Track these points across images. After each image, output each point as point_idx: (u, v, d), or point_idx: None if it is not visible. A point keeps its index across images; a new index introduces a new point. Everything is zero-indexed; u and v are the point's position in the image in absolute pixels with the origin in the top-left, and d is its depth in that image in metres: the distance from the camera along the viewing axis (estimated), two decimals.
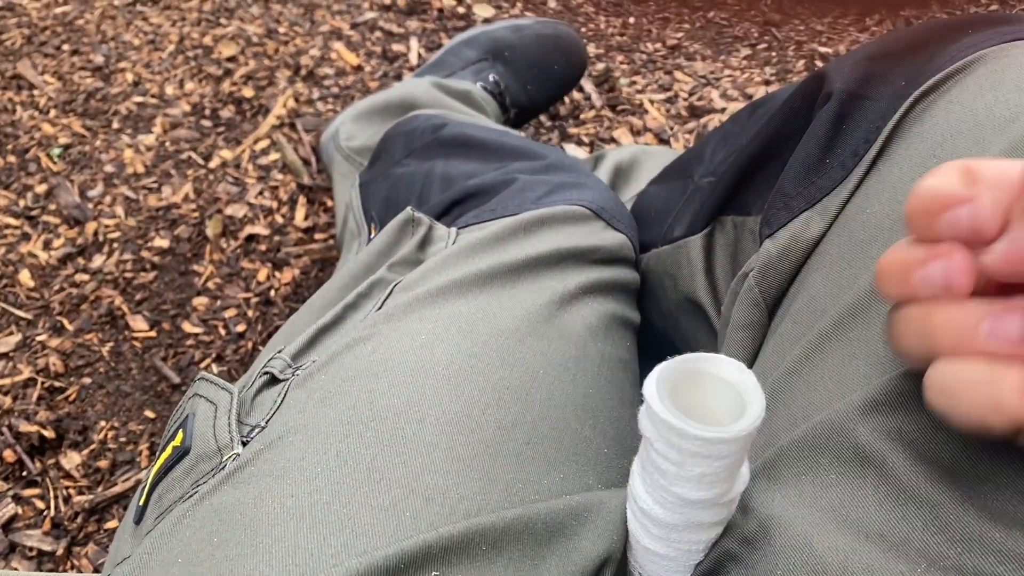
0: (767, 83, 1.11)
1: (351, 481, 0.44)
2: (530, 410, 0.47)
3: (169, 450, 0.51)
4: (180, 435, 0.51)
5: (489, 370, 0.48)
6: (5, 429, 0.82)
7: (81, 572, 0.77)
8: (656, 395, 0.40)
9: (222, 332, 0.89)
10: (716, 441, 0.30)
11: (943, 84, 0.44)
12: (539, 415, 0.47)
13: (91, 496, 0.80)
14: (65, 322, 0.90)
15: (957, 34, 0.47)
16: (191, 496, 0.48)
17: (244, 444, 0.49)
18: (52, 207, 0.99)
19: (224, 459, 0.48)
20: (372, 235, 0.71)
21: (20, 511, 0.78)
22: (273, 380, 0.52)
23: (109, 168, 1.02)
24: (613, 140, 1.06)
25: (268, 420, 0.49)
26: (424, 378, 0.47)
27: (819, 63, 1.13)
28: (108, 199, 0.99)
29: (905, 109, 0.45)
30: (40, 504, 0.79)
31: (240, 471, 0.46)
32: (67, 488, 0.80)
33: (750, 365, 0.50)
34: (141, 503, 0.51)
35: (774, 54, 1.14)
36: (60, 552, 0.76)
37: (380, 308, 0.54)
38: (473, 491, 0.44)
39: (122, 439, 0.83)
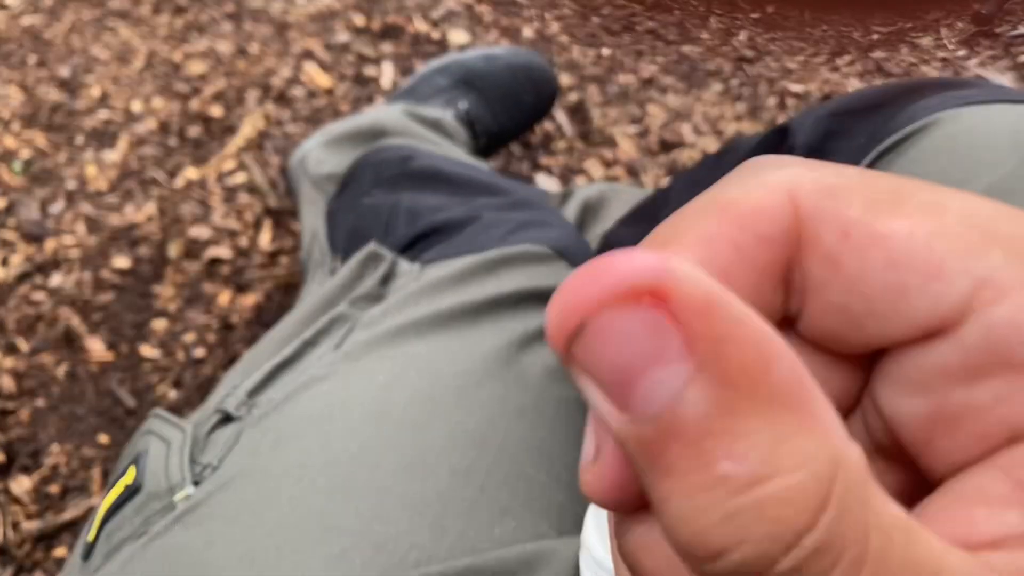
0: (739, 119, 1.12)
1: (302, 527, 0.43)
2: (485, 455, 0.47)
3: (120, 486, 0.50)
4: (132, 471, 0.50)
5: (445, 414, 0.48)
6: None
7: None
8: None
9: (181, 356, 0.88)
10: None
11: (901, 144, 0.45)
12: (494, 460, 0.47)
13: (40, 522, 0.78)
14: (20, 341, 0.88)
15: (915, 96, 0.48)
16: (141, 536, 0.47)
17: (196, 484, 0.48)
18: (11, 222, 0.97)
19: (175, 498, 0.47)
20: (337, 265, 0.71)
21: None
22: (228, 418, 0.51)
23: (71, 184, 1.00)
24: (584, 172, 1.06)
25: (221, 460, 0.48)
26: (380, 422, 0.47)
27: (790, 101, 1.14)
28: (69, 216, 0.98)
29: (865, 166, 0.46)
30: None
31: (191, 512, 0.46)
32: (16, 513, 0.79)
33: None
34: (90, 539, 0.50)
35: (746, 90, 1.15)
36: None
37: (339, 346, 0.54)
38: (424, 539, 0.43)
39: (74, 464, 0.81)
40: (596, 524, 0.42)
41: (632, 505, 0.16)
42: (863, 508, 0.13)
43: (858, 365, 0.18)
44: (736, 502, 0.13)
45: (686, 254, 0.16)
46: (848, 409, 0.19)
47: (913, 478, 0.18)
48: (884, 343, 0.17)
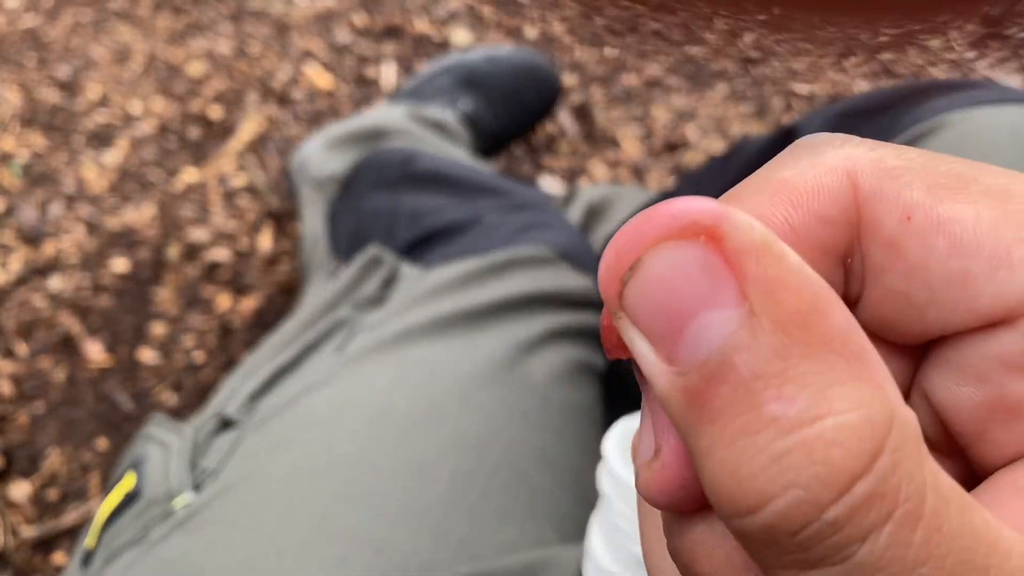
0: (744, 120, 1.11)
1: (303, 532, 0.43)
2: (488, 460, 0.47)
3: (119, 492, 0.50)
4: (132, 477, 0.50)
5: (448, 418, 0.48)
6: None
7: None
8: (615, 453, 0.39)
9: (180, 360, 0.87)
10: None
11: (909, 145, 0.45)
12: (497, 465, 0.47)
13: (39, 528, 0.77)
14: (18, 345, 0.87)
15: (923, 97, 0.47)
16: (141, 542, 0.47)
17: (196, 489, 0.47)
18: (10, 225, 0.96)
19: (175, 504, 0.47)
20: (338, 267, 0.70)
21: None
22: (228, 423, 0.51)
23: (70, 186, 1.00)
24: (587, 172, 1.05)
25: (221, 465, 0.48)
26: (381, 426, 0.46)
27: (796, 102, 1.13)
28: (68, 218, 0.97)
29: None
30: None
31: (191, 518, 0.45)
32: (14, 519, 0.78)
33: None
34: (90, 545, 0.49)
35: (752, 92, 1.15)
36: None
37: (341, 350, 0.53)
38: (426, 545, 0.43)
39: (73, 469, 0.81)
40: (601, 530, 0.41)
41: (691, 504, 0.15)
42: (920, 465, 0.12)
43: (910, 354, 0.18)
44: (784, 442, 0.12)
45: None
46: None
47: (960, 472, 0.17)
48: (945, 332, 0.16)
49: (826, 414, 0.12)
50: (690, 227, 0.13)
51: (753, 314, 0.12)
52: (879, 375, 0.13)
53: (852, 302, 0.17)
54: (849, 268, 0.17)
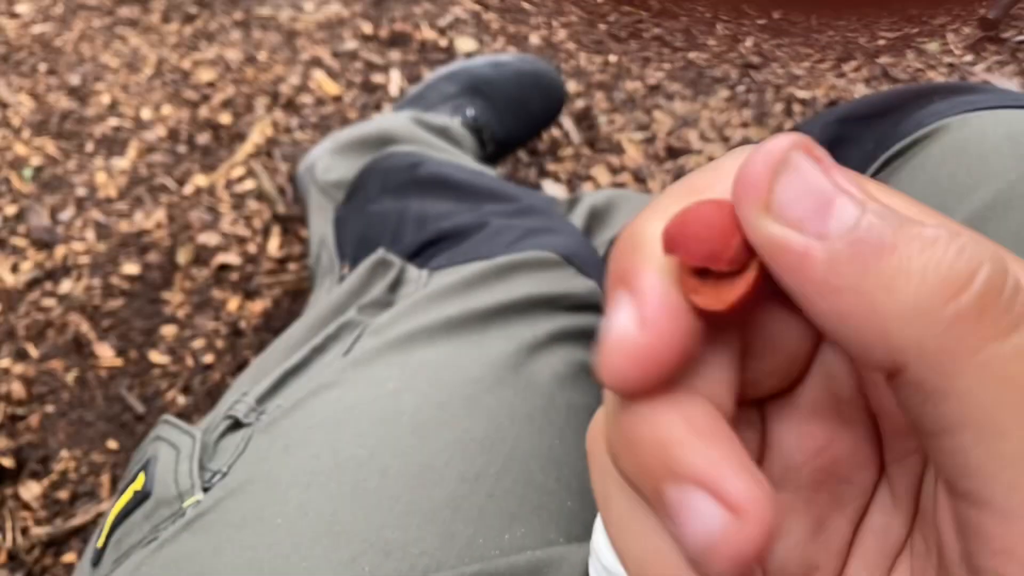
0: (745, 125, 1.12)
1: (311, 533, 0.43)
2: (494, 462, 0.47)
3: (130, 492, 0.50)
4: (141, 477, 0.51)
5: (455, 420, 0.48)
6: None
7: None
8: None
9: (190, 362, 0.88)
10: None
11: (909, 150, 0.45)
12: (503, 467, 0.47)
13: (50, 528, 0.78)
14: (30, 347, 0.89)
15: (923, 101, 0.48)
16: (150, 542, 0.47)
17: (205, 490, 0.48)
18: (21, 229, 0.97)
19: (184, 505, 0.47)
20: (345, 272, 0.71)
21: None
22: (237, 424, 0.51)
23: (81, 191, 1.01)
24: (591, 178, 1.06)
25: (230, 467, 0.48)
26: (389, 428, 0.47)
27: (797, 107, 1.14)
28: (79, 223, 0.98)
29: (872, 172, 0.46)
30: None
31: (200, 519, 0.46)
32: (25, 519, 0.79)
33: None
34: (99, 545, 0.50)
35: (753, 97, 1.15)
36: None
37: (348, 352, 0.54)
38: (433, 546, 0.43)
39: (83, 470, 0.82)
40: (605, 531, 0.41)
41: (657, 382, 0.16)
42: None
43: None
44: (957, 240, 0.15)
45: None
46: None
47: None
48: None
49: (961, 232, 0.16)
50: (803, 146, 0.16)
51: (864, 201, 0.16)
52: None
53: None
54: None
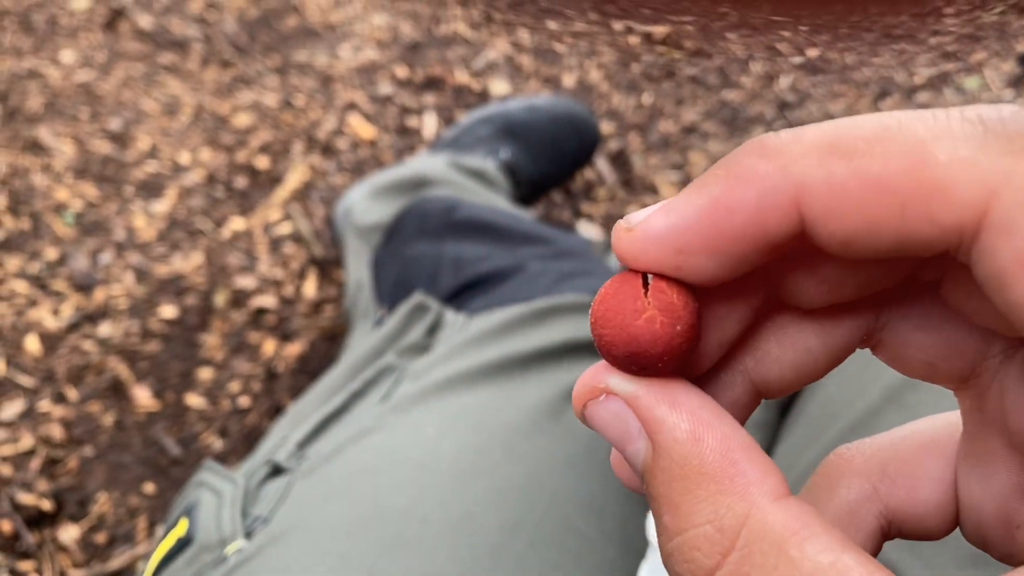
0: None
1: None
2: (534, 510, 0.46)
3: (172, 538, 0.50)
4: (184, 523, 0.50)
5: (494, 467, 0.48)
6: (5, 500, 0.81)
7: None
8: None
9: (226, 405, 0.89)
10: None
11: None
12: (543, 515, 0.47)
13: (87, 571, 0.78)
14: (69, 390, 0.89)
15: None
16: None
17: (248, 536, 0.48)
18: (62, 273, 0.99)
19: (227, 551, 0.47)
20: (382, 314, 0.71)
21: None
22: (278, 470, 0.51)
23: (120, 235, 1.02)
24: None
25: (272, 513, 0.48)
26: (429, 475, 0.47)
27: None
28: (118, 266, 0.99)
29: None
30: None
31: (243, 565, 0.46)
32: (63, 562, 0.79)
33: None
34: None
35: None
36: None
37: (388, 398, 0.54)
38: None
39: (120, 513, 0.82)
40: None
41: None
42: (777, 554, 0.16)
43: None
44: (669, 545, 0.18)
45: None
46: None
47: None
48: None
49: (687, 527, 0.17)
50: (596, 390, 0.19)
51: (653, 445, 0.18)
52: (744, 484, 0.17)
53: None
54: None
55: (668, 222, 0.18)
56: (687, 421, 0.17)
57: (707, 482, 0.17)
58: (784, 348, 0.20)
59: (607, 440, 0.19)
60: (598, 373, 0.19)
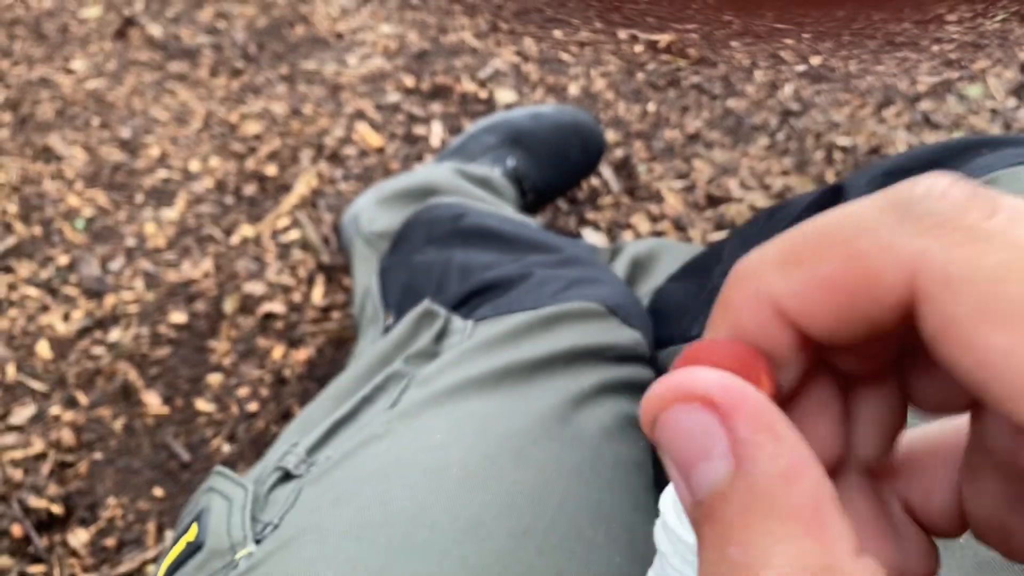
0: (785, 173, 1.12)
1: None
2: (543, 517, 0.47)
3: (182, 543, 0.51)
4: (194, 528, 0.51)
5: (503, 473, 0.48)
6: (15, 503, 0.82)
7: None
8: (673, 510, 0.40)
9: (235, 410, 0.90)
10: None
11: None
12: (552, 522, 0.47)
13: (97, 575, 0.79)
14: (79, 395, 0.90)
15: (971, 154, 0.48)
16: None
17: (257, 542, 0.48)
18: (73, 279, 1.00)
19: (237, 557, 0.48)
20: (390, 322, 0.72)
21: None
22: (287, 476, 0.52)
23: (131, 241, 1.03)
24: (630, 227, 1.06)
25: (281, 518, 0.49)
26: (438, 481, 0.47)
27: (837, 154, 1.14)
28: (128, 272, 1.00)
29: None
30: None
31: (253, 571, 0.46)
32: (73, 566, 0.80)
33: None
34: None
35: (793, 144, 1.16)
36: None
37: (396, 404, 0.54)
38: None
39: (130, 517, 0.83)
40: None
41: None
42: None
43: None
44: None
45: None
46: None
47: None
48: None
49: (760, 566, 0.15)
50: (690, 394, 0.17)
51: (737, 470, 0.16)
52: (832, 536, 0.16)
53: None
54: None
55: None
56: (787, 456, 0.16)
57: (794, 525, 0.16)
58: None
59: (671, 452, 0.17)
60: (695, 377, 0.17)
